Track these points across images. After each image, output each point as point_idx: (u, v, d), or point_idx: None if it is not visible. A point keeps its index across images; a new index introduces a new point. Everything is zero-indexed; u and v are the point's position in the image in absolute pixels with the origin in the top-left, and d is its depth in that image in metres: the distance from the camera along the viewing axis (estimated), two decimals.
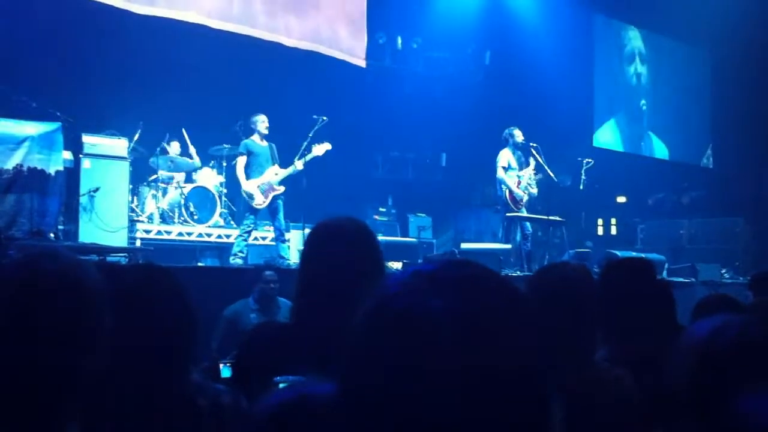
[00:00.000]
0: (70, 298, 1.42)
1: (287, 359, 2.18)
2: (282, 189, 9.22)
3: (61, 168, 8.30)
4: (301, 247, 8.51)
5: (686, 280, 10.04)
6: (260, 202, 9.13)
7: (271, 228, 9.58)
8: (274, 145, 9.42)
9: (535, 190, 10.36)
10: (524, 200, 10.26)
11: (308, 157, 9.22)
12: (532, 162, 10.31)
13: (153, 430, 1.76)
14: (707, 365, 1.80)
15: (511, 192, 10.13)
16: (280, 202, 9.24)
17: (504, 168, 10.17)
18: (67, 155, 8.58)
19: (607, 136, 15.38)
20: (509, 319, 0.96)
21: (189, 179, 10.65)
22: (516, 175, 10.23)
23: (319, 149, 9.24)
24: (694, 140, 16.56)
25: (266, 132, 9.32)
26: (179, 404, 1.83)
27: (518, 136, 10.31)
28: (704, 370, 1.80)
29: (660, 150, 16.25)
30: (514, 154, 10.32)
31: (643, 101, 16.02)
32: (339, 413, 0.98)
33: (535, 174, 10.34)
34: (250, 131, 9.43)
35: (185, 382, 1.88)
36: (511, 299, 0.99)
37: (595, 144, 14.79)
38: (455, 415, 0.90)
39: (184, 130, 10.55)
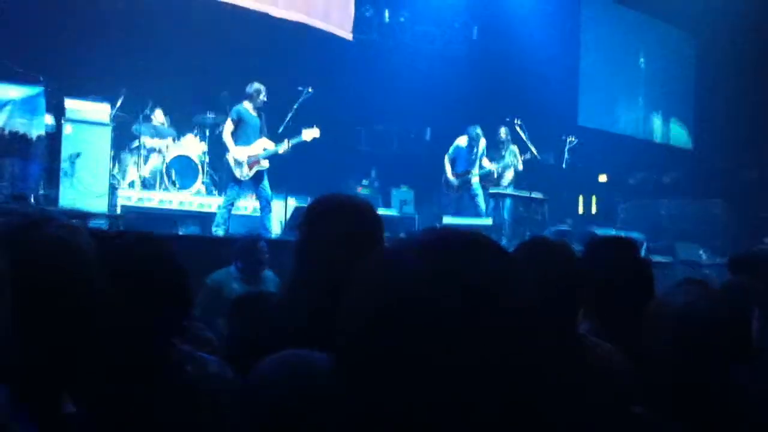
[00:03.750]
0: (66, 265, 1.41)
1: (280, 333, 2.18)
2: (267, 164, 9.16)
3: (42, 132, 8.24)
4: (283, 218, 8.40)
5: (665, 260, 10.13)
6: (246, 172, 9.07)
7: (253, 198, 9.54)
8: (264, 116, 9.33)
9: (521, 167, 10.67)
10: (507, 178, 10.61)
11: (296, 140, 9.18)
12: (510, 159, 10.57)
13: (142, 398, 1.76)
14: (679, 342, 1.86)
15: (444, 176, 10.88)
16: (265, 172, 9.19)
17: (448, 154, 10.89)
18: (49, 120, 8.51)
19: (592, 114, 15.41)
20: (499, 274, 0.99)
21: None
22: (470, 162, 10.62)
23: (308, 135, 9.18)
24: (677, 121, 16.62)
25: (261, 104, 9.19)
26: (168, 372, 1.84)
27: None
28: (677, 346, 1.85)
29: (645, 130, 16.31)
30: (471, 145, 10.60)
31: (629, 81, 16.04)
32: (333, 377, 0.99)
33: (521, 153, 10.57)
34: (245, 98, 9.21)
35: (174, 350, 1.89)
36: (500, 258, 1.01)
37: (579, 122, 14.82)
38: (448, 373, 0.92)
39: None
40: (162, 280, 1.84)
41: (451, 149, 10.91)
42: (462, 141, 10.77)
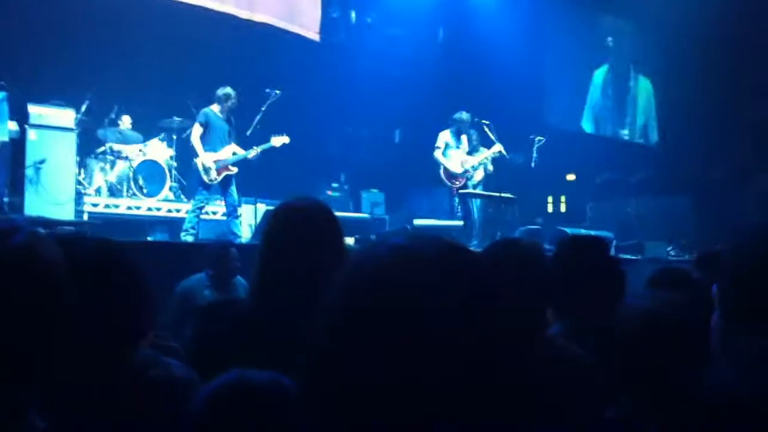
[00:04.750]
0: (33, 276, 1.37)
1: (245, 340, 2.18)
2: (235, 170, 9.10)
3: (6, 139, 8.12)
4: (253, 222, 8.36)
5: (633, 257, 10.22)
6: (214, 177, 9.00)
7: (222, 203, 9.48)
8: (233, 121, 9.25)
9: (491, 168, 10.62)
10: (476, 178, 10.51)
11: (265, 146, 9.12)
12: (497, 147, 10.44)
13: (106, 405, 1.74)
14: (644, 345, 1.94)
15: (446, 169, 10.33)
16: (233, 177, 9.13)
17: (439, 148, 10.44)
18: (13, 126, 8.39)
19: (559, 114, 15.52)
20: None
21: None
22: (460, 153, 10.43)
23: (277, 141, 9.14)
24: (643, 120, 16.77)
25: (230, 109, 9.09)
26: (131, 377, 1.81)
27: (466, 121, 10.49)
28: (641, 348, 1.91)
29: (609, 128, 16.44)
30: (456, 136, 10.46)
31: (593, 80, 16.16)
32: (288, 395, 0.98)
33: (492, 156, 10.54)
34: (214, 101, 9.11)
35: (136, 355, 1.87)
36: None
37: (546, 122, 14.91)
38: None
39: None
40: (121, 285, 1.82)
41: (440, 142, 10.53)
42: (446, 134, 10.56)
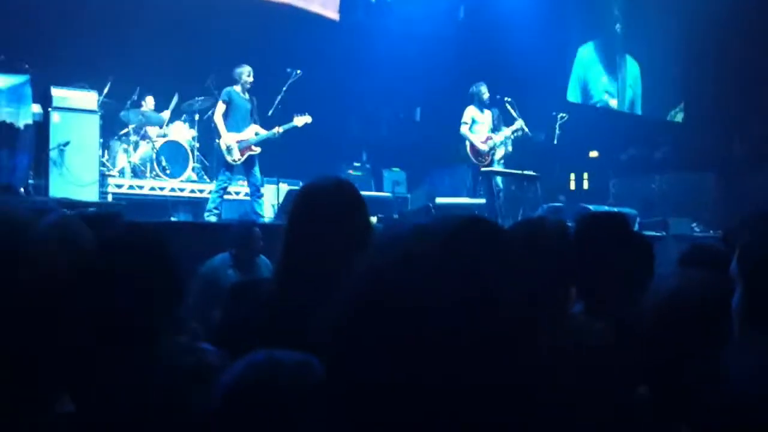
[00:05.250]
0: (67, 253, 1.37)
1: (273, 321, 2.18)
2: (258, 150, 9.11)
3: (30, 122, 8.18)
4: (276, 202, 8.40)
5: (658, 234, 10.14)
6: (237, 158, 9.01)
7: (245, 183, 9.50)
8: (255, 101, 9.26)
9: (510, 148, 10.49)
10: (498, 155, 10.36)
11: (288, 126, 9.12)
12: (519, 123, 10.31)
13: (138, 391, 1.74)
14: (667, 324, 1.87)
15: (472, 146, 10.19)
16: (256, 157, 9.15)
17: (466, 123, 10.23)
18: (36, 109, 8.44)
19: (580, 91, 15.38)
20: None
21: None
22: (486, 130, 10.28)
23: (300, 121, 9.13)
24: (668, 95, 16.58)
25: (249, 85, 9.11)
26: (164, 364, 1.82)
27: (484, 93, 10.33)
28: (664, 327, 1.86)
29: (633, 105, 16.28)
30: (481, 110, 10.33)
31: (618, 55, 15.98)
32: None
33: (514, 132, 10.39)
34: (233, 82, 9.14)
35: (169, 341, 1.87)
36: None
37: (568, 98, 14.79)
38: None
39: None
40: (152, 267, 1.82)
41: (467, 118, 10.31)
42: (473, 109, 10.35)
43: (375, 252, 1.03)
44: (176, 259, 1.88)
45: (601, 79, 15.91)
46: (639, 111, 16.32)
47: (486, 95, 10.28)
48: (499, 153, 10.56)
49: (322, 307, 1.08)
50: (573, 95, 15.43)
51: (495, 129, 10.55)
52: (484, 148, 10.20)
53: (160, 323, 1.84)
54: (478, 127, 10.27)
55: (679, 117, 16.42)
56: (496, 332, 0.94)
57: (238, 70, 9.09)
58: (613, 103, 16.07)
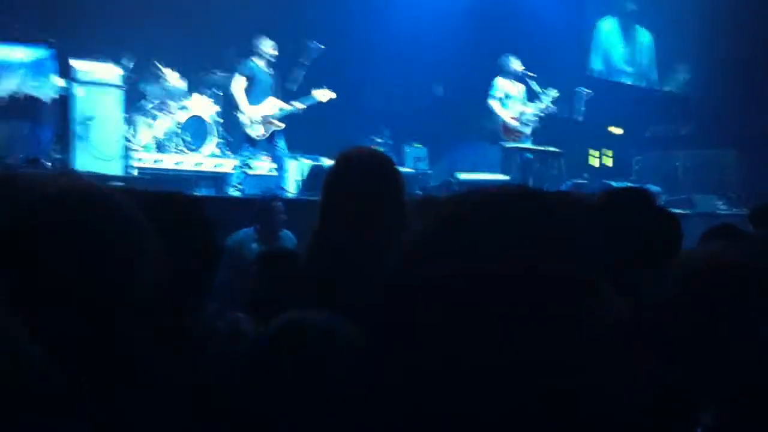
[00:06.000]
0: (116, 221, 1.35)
1: (303, 289, 2.18)
2: (282, 125, 9.06)
3: (54, 95, 8.20)
4: (299, 178, 8.44)
5: (683, 212, 10.05)
6: (260, 133, 8.98)
7: (268, 158, 9.49)
8: (275, 75, 9.21)
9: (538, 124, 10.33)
10: (525, 131, 10.23)
11: (310, 100, 9.06)
12: (547, 99, 10.14)
13: (173, 354, 1.74)
14: (701, 292, 1.78)
15: (504, 123, 10.07)
16: (280, 132, 9.11)
17: (497, 98, 10.08)
18: (60, 82, 8.45)
19: (602, 61, 15.25)
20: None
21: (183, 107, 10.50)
22: (517, 105, 10.17)
23: (322, 95, 9.05)
24: (647, 62, 16.35)
25: (272, 58, 9.04)
26: (199, 329, 1.82)
27: (514, 64, 10.19)
28: (696, 298, 1.77)
29: (654, 80, 16.12)
30: (513, 83, 10.22)
31: (630, 27, 15.80)
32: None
33: (546, 107, 10.19)
34: (254, 53, 9.07)
35: (204, 308, 1.88)
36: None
37: (592, 72, 14.64)
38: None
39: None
40: (195, 238, 1.82)
41: (496, 90, 10.18)
42: (506, 83, 10.19)
43: (426, 225, 1.01)
44: (215, 229, 1.89)
45: (620, 49, 15.76)
46: (655, 78, 16.14)
47: (515, 66, 10.12)
48: (528, 130, 10.41)
49: (355, 277, 1.08)
50: (596, 65, 15.31)
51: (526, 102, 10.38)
52: (515, 124, 10.08)
53: (198, 291, 1.85)
54: (512, 102, 10.14)
55: (683, 77, 16.16)
56: (553, 306, 0.93)
57: (259, 42, 9.00)
58: (630, 71, 15.92)
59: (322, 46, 9.43)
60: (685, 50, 15.59)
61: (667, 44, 15.87)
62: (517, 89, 10.23)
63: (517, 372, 0.90)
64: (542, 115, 10.21)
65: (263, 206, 6.68)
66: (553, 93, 10.10)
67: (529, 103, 10.31)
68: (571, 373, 0.94)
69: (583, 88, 10.75)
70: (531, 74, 10.27)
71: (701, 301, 1.72)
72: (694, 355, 1.74)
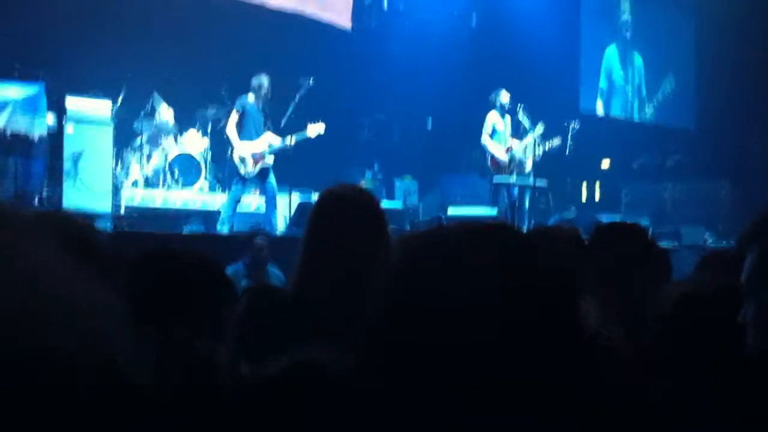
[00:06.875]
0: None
1: (290, 324, 2.19)
2: (272, 160, 9.10)
3: (44, 131, 8.22)
4: (287, 214, 8.42)
5: (670, 245, 10.08)
6: (251, 169, 9.01)
7: (256, 194, 9.49)
8: (267, 112, 9.26)
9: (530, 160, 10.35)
10: (518, 164, 10.29)
11: (301, 136, 9.10)
12: (536, 131, 10.22)
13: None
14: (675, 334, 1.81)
15: (493, 157, 10.16)
16: (270, 168, 9.14)
17: (487, 133, 10.19)
18: (51, 119, 8.48)
19: (593, 100, 15.36)
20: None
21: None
22: (504, 140, 10.26)
23: (313, 130, 9.11)
24: (679, 103, 16.53)
25: (266, 98, 9.09)
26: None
27: (503, 97, 10.30)
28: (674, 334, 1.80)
29: (645, 113, 16.25)
30: (502, 117, 10.31)
31: (629, 63, 15.97)
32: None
33: (547, 141, 10.25)
34: (249, 90, 9.15)
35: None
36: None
37: (581, 108, 14.76)
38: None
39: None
40: (215, 306, 1.84)
41: (488, 126, 10.28)
42: (495, 115, 10.32)
43: (405, 255, 1.05)
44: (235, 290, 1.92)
45: (621, 74, 15.93)
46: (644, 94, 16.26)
47: (504, 100, 10.24)
48: (528, 164, 10.40)
49: (341, 310, 1.13)
50: (603, 83, 15.46)
51: (513, 136, 10.45)
52: (504, 158, 10.16)
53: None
54: (499, 137, 10.24)
55: (669, 86, 16.30)
56: (534, 334, 0.98)
57: (257, 81, 9.08)
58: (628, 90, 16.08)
59: (312, 81, 9.49)
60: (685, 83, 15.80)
61: (657, 65, 16.08)
62: (503, 123, 10.31)
63: (504, 389, 0.95)
64: (546, 149, 10.28)
65: (245, 243, 6.75)
66: (540, 129, 10.19)
67: (514, 138, 10.39)
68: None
69: (570, 122, 10.82)
70: (519, 106, 10.35)
71: (689, 319, 1.79)
72: (687, 372, 1.79)
